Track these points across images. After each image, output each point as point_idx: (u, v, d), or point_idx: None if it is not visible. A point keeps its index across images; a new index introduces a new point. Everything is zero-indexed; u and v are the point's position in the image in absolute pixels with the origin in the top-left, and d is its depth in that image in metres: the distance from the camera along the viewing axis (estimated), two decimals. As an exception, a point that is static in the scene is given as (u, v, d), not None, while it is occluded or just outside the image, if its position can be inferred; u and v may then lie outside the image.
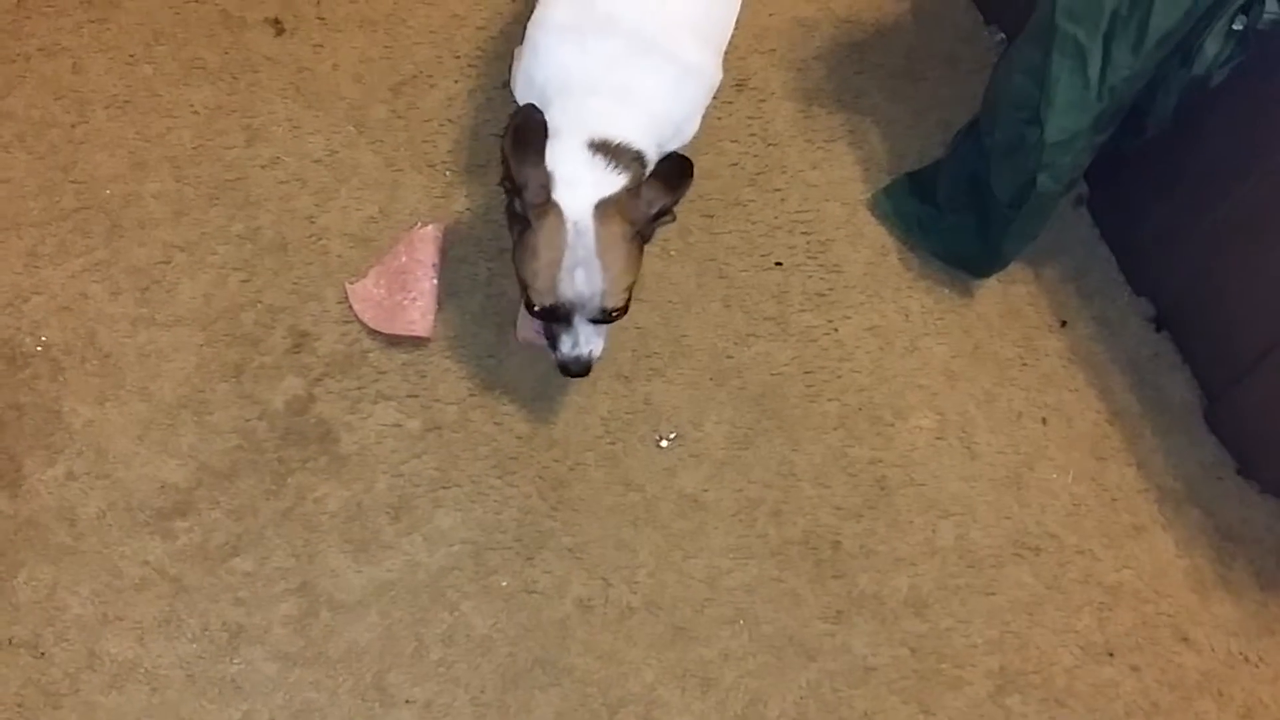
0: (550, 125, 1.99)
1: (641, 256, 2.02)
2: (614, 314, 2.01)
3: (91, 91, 2.39)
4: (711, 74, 2.14)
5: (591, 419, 2.24)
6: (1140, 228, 2.41)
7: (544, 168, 1.95)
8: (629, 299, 2.02)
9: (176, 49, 2.45)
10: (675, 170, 2.00)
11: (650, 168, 2.03)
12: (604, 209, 1.94)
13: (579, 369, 2.06)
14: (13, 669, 1.96)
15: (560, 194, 1.95)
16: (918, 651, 2.13)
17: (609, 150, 1.98)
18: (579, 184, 1.95)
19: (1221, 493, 2.32)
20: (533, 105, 1.99)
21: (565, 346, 2.04)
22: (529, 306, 2.02)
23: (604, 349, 2.09)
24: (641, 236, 2.00)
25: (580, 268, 1.94)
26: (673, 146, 2.14)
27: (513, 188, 1.97)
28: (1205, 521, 2.29)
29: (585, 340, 2.04)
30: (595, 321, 2.02)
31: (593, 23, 2.02)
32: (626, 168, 1.98)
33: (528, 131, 1.96)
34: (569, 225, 1.93)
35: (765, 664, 2.09)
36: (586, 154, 1.97)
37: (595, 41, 2.01)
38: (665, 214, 2.00)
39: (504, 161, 1.98)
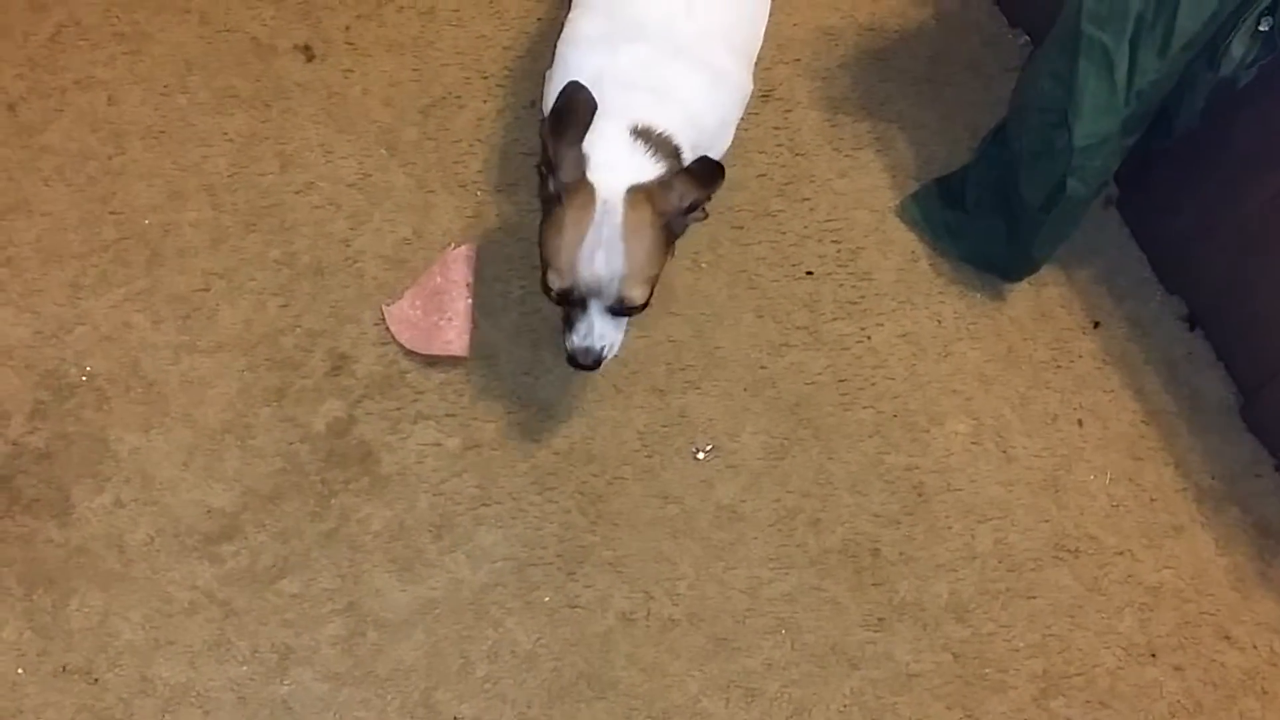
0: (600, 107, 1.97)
1: (668, 250, 2.00)
2: (631, 307, 1.97)
3: (127, 123, 2.42)
4: (743, 83, 2.15)
5: (628, 433, 2.25)
6: (1171, 227, 2.41)
7: (580, 148, 1.92)
8: (650, 295, 1.98)
9: (209, 78, 2.48)
10: (707, 169, 1.96)
11: (686, 158, 2.02)
12: (635, 194, 1.92)
13: (587, 361, 2.01)
14: (67, 696, 2.00)
15: (595, 174, 1.93)
16: (960, 657, 2.13)
17: (650, 138, 1.97)
18: (616, 167, 1.94)
19: (1260, 490, 2.32)
20: (579, 83, 1.92)
21: (577, 336, 2.00)
22: (546, 289, 1.98)
23: (619, 347, 2.05)
24: (671, 230, 1.98)
25: (602, 249, 1.91)
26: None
27: (548, 167, 1.95)
28: (1244, 519, 2.29)
29: (599, 333, 1.99)
30: (613, 312, 1.98)
31: (622, 32, 2.03)
32: (665, 158, 1.98)
33: (572, 109, 1.91)
34: (599, 204, 1.91)
35: (808, 673, 2.10)
36: (628, 139, 1.96)
37: (626, 47, 2.02)
38: (696, 208, 1.97)
39: (543, 141, 1.95)
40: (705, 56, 2.05)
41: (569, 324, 2.02)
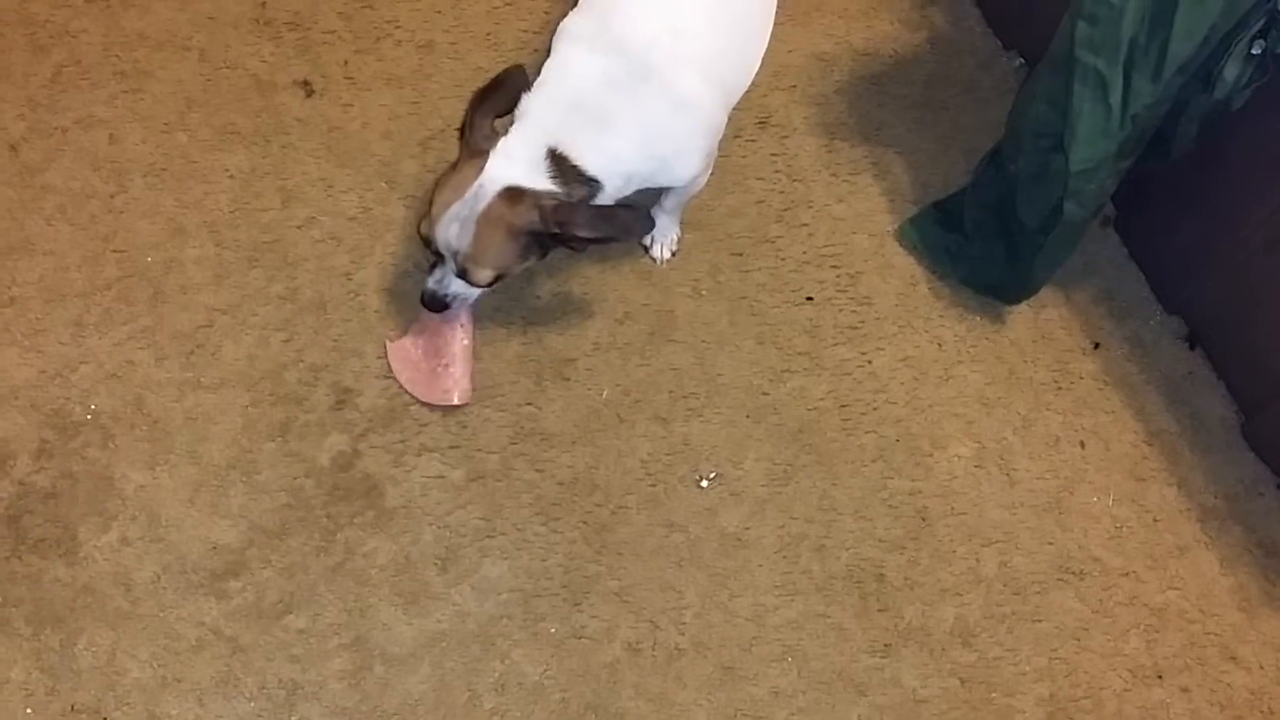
0: (527, 106, 2.05)
1: (526, 256, 2.08)
2: (475, 284, 2.10)
3: (129, 161, 2.44)
4: (710, 113, 2.13)
5: (632, 462, 2.26)
6: (1169, 247, 2.42)
7: (492, 123, 2.05)
8: (493, 280, 2.10)
9: (209, 115, 2.50)
10: (621, 219, 2.07)
11: (608, 195, 2.08)
12: (513, 194, 2.01)
13: (434, 305, 2.18)
14: (77, 734, 2.00)
15: (494, 157, 2.02)
16: (967, 682, 2.14)
17: (561, 166, 2.03)
18: (514, 163, 2.02)
19: (1263, 508, 2.32)
20: (521, 68, 2.09)
21: (432, 280, 2.15)
22: (419, 226, 2.11)
23: (474, 301, 2.21)
24: (539, 242, 2.06)
25: (458, 223, 2.02)
26: (663, 182, 2.19)
27: (465, 126, 2.08)
28: (1248, 538, 2.29)
29: (451, 286, 2.14)
30: (460, 277, 2.11)
31: (605, 39, 2.05)
32: (567, 185, 2.03)
33: (501, 84, 2.07)
34: (477, 184, 2.01)
35: (816, 700, 2.10)
36: (540, 154, 2.03)
37: (600, 57, 2.04)
38: (569, 241, 2.05)
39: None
40: (674, 82, 2.05)
41: (431, 265, 2.16)
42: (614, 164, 2.06)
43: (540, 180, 2.02)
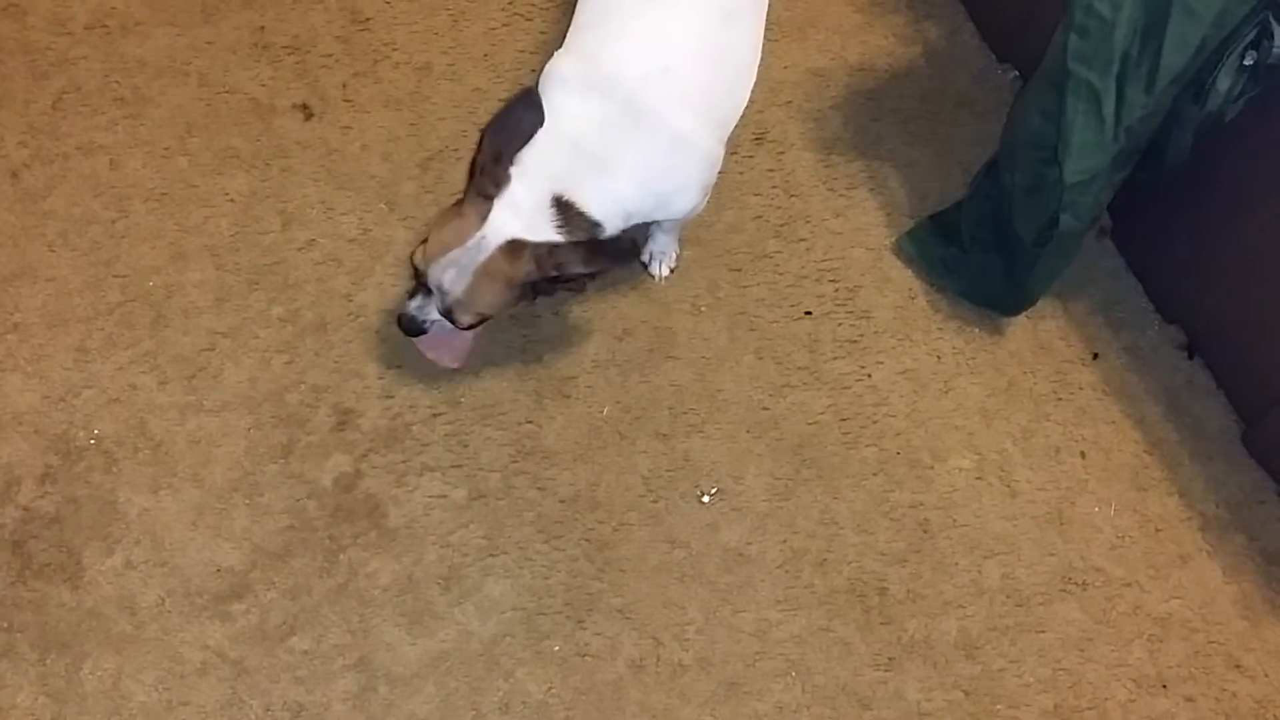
0: (527, 152, 2.04)
1: (518, 301, 2.12)
2: (457, 324, 2.12)
3: (130, 186, 2.45)
4: (708, 149, 2.14)
5: (633, 478, 2.27)
6: (1166, 257, 2.43)
7: (507, 171, 2.03)
8: (479, 323, 2.12)
9: (209, 139, 2.51)
10: (612, 248, 2.08)
11: (608, 235, 2.09)
12: (514, 247, 2.02)
13: (410, 328, 2.18)
14: (83, 759, 2.01)
15: (498, 205, 2.02)
16: (971, 694, 2.14)
17: (567, 212, 2.03)
18: (517, 215, 2.03)
19: (1265, 516, 2.32)
20: (531, 98, 2.05)
21: (412, 305, 2.15)
22: (412, 255, 2.13)
23: (444, 331, 2.19)
24: (534, 288, 2.09)
25: (455, 269, 2.04)
26: (661, 217, 2.20)
27: (474, 166, 2.07)
28: (1250, 546, 2.29)
29: (432, 315, 2.15)
30: (443, 314, 2.12)
31: (595, 81, 2.05)
32: (572, 231, 2.04)
33: (515, 124, 2.04)
34: (479, 234, 2.02)
35: (820, 715, 2.10)
36: (545, 201, 2.03)
37: (594, 100, 2.04)
38: (569, 281, 2.08)
39: (481, 136, 2.08)
40: (669, 120, 2.05)
41: (413, 291, 2.16)
42: (616, 205, 2.06)
43: (545, 230, 2.03)
